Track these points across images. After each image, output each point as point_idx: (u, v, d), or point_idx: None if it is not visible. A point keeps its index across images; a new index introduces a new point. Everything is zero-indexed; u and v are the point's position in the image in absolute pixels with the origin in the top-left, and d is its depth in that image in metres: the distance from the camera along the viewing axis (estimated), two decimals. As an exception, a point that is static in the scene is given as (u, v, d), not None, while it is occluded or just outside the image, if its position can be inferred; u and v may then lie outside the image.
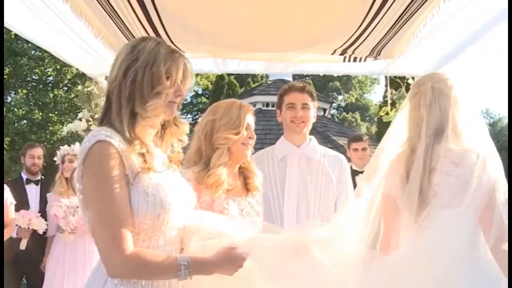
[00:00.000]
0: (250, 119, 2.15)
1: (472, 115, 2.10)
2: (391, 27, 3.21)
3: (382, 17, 3.02)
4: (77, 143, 4.40)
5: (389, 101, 4.78)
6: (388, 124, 4.66)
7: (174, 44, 3.60)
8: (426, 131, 2.00)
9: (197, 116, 26.86)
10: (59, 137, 14.94)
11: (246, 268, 1.61)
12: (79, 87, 5.01)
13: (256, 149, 8.60)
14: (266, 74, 14.58)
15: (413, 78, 4.76)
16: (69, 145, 4.40)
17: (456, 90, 2.10)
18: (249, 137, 2.20)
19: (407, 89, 5.00)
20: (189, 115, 27.45)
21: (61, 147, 4.36)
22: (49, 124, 16.11)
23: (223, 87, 18.23)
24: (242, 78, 19.29)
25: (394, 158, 2.16)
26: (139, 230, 1.56)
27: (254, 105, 12.78)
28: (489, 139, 2.03)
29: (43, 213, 4.15)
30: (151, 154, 1.62)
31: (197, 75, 23.78)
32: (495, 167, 1.94)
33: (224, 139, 2.06)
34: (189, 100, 27.61)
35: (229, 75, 17.65)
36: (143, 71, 1.60)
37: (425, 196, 1.95)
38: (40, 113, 15.94)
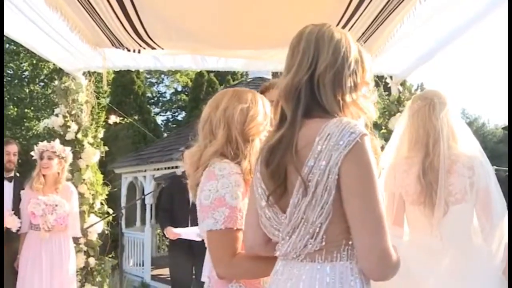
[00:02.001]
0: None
1: (460, 121, 2.49)
2: (368, 27, 3.25)
3: (359, 17, 3.05)
4: (57, 140, 4.31)
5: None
6: (365, 122, 4.73)
7: (152, 40, 3.58)
8: (442, 139, 2.32)
9: (176, 114, 26.69)
10: (35, 132, 14.69)
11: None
12: (56, 83, 4.94)
13: (235, 146, 8.57)
14: (246, 72, 14.55)
15: (391, 77, 4.83)
16: (43, 141, 4.31)
17: (450, 101, 2.45)
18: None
19: (385, 88, 5.08)
20: (168, 112, 27.25)
21: (39, 142, 4.25)
22: (24, 120, 15.82)
23: (202, 84, 18.13)
24: (222, 76, 19.20)
25: (399, 162, 2.46)
26: None
27: (234, 103, 12.77)
28: (476, 141, 2.43)
29: (16, 210, 4.05)
30: None
31: (176, 72, 23.64)
32: (488, 167, 2.36)
33: (258, 129, 1.80)
34: (168, 98, 27.41)
35: (208, 72, 17.56)
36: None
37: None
38: (15, 109, 15.64)
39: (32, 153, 4.20)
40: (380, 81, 5.04)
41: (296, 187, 1.32)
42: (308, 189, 1.29)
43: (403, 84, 4.95)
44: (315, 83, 1.37)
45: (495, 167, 2.86)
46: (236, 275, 1.65)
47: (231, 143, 1.72)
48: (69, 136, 4.65)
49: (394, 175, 2.43)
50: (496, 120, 38.38)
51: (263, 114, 1.81)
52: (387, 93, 5.09)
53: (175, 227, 4.65)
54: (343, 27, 3.11)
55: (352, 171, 1.27)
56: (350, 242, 1.32)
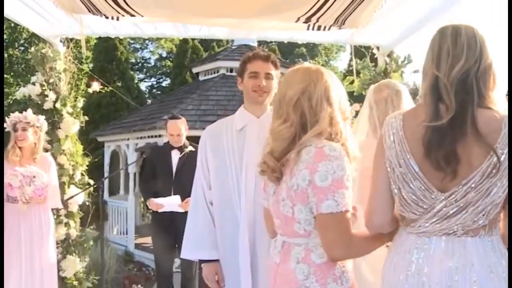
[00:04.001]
0: None
1: None
2: (356, -4, 3.15)
3: (347, -14, 2.95)
4: (29, 110, 4.17)
5: (355, 71, 4.76)
6: (351, 93, 4.67)
7: (131, 7, 3.44)
8: None
9: (161, 80, 26.35)
10: (15, 99, 14.36)
11: None
12: (32, 49, 4.75)
13: (219, 115, 8.56)
14: (231, 39, 14.33)
15: (377, 48, 4.74)
16: (25, 110, 4.16)
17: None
18: None
19: (372, 59, 5.00)
20: (153, 79, 26.89)
21: (11, 113, 4.09)
22: (4, 86, 15.47)
23: (187, 51, 17.83)
24: (206, 43, 18.86)
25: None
26: None
27: (218, 71, 12.57)
28: None
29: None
30: None
31: (160, 38, 23.19)
32: None
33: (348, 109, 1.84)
34: (152, 64, 26.99)
35: (193, 39, 17.27)
36: None
37: None
38: (-6, 74, 15.27)
39: (4, 124, 4.04)
40: (366, 51, 4.96)
41: (483, 168, 1.49)
42: (500, 170, 1.48)
43: (390, 55, 4.87)
44: (480, 76, 1.54)
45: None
46: (352, 255, 1.73)
47: (332, 124, 1.69)
48: (47, 105, 4.49)
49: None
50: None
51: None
52: (373, 64, 5.01)
53: (158, 197, 4.61)
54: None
55: None
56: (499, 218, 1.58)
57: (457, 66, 1.52)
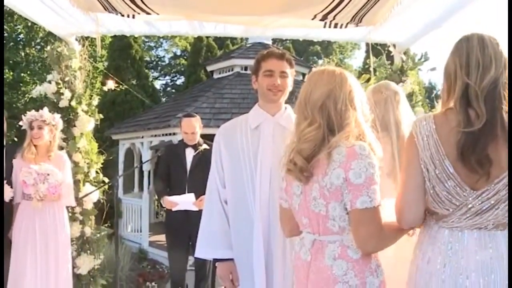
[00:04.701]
0: None
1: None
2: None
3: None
4: (45, 108, 4.18)
5: (372, 69, 4.71)
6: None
7: (147, 5, 3.43)
8: (402, 125, 2.51)
9: (175, 78, 26.43)
10: (33, 97, 14.51)
11: None
12: (48, 48, 4.78)
13: (234, 113, 8.53)
14: (246, 37, 14.30)
15: (394, 45, 4.69)
16: (42, 108, 4.18)
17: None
18: None
19: (388, 57, 4.94)
20: (167, 77, 26.98)
21: (27, 112, 4.12)
22: (21, 84, 15.61)
23: (201, 49, 17.82)
24: (221, 40, 18.82)
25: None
26: None
27: (232, 69, 12.55)
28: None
29: (8, 180, 3.95)
30: None
31: (175, 36, 23.26)
32: None
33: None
34: (167, 62, 27.07)
35: (207, 37, 17.27)
36: None
37: None
38: (11, 73, 15.40)
39: (20, 123, 4.07)
40: (383, 49, 4.90)
41: None
42: None
43: (406, 53, 4.81)
44: (504, 84, 1.66)
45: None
46: (384, 246, 1.80)
47: (357, 125, 1.79)
48: (63, 103, 4.52)
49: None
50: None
51: None
52: (389, 62, 4.95)
53: (172, 195, 4.61)
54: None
55: None
56: None
57: (487, 76, 1.65)
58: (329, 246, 1.79)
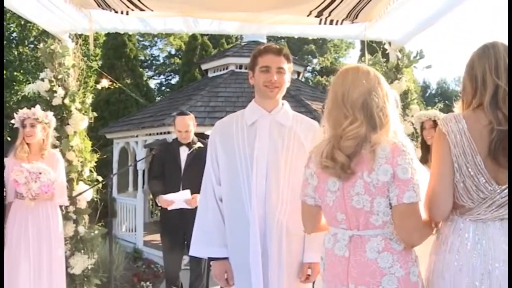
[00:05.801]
0: None
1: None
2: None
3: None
4: (37, 106, 4.13)
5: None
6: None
7: (141, 1, 3.40)
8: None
9: (170, 77, 26.35)
10: (24, 95, 14.40)
11: None
12: (41, 45, 4.73)
13: (228, 112, 8.44)
14: (241, 36, 14.23)
15: (389, 43, 4.67)
16: (34, 106, 4.13)
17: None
18: None
19: (383, 55, 4.92)
20: (161, 76, 26.90)
21: (19, 110, 4.06)
22: (14, 83, 15.49)
23: (196, 48, 17.76)
24: (215, 39, 18.77)
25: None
26: None
27: (227, 67, 12.49)
28: None
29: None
30: None
31: (170, 34, 23.17)
32: None
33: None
34: (161, 61, 26.99)
35: (202, 35, 17.20)
36: None
37: None
38: (5, 72, 15.29)
39: (12, 121, 4.01)
40: (378, 47, 4.88)
41: None
42: None
43: (401, 50, 4.79)
44: None
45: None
46: (424, 238, 1.87)
47: (393, 122, 1.86)
48: (56, 101, 4.48)
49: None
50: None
51: None
52: (385, 59, 4.94)
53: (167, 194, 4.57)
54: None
55: None
56: None
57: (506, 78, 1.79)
58: (371, 240, 1.84)
